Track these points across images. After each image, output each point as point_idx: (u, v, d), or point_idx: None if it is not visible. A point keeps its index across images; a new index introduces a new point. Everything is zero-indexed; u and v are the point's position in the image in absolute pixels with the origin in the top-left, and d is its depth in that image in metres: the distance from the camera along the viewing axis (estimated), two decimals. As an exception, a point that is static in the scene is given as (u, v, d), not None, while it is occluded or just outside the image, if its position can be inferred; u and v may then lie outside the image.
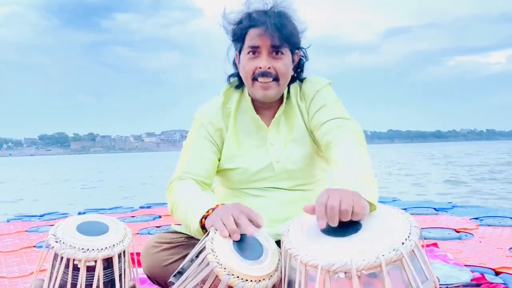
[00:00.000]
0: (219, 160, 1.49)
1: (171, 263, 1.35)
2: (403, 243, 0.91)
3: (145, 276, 1.44)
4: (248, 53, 1.39)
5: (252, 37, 1.37)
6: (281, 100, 1.47)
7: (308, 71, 1.53)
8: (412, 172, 15.94)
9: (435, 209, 3.61)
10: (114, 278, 1.25)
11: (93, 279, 1.21)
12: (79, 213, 3.99)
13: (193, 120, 1.54)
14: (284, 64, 1.39)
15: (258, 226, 1.11)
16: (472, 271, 1.88)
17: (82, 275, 1.20)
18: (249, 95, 1.48)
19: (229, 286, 0.99)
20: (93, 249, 1.21)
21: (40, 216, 4.11)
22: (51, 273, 1.23)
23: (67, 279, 1.20)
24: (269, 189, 1.43)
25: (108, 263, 1.24)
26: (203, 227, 1.19)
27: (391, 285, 0.87)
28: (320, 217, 1.00)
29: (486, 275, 1.83)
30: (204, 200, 1.27)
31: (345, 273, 0.88)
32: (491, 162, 21.03)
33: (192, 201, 1.29)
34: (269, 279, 1.02)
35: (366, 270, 0.87)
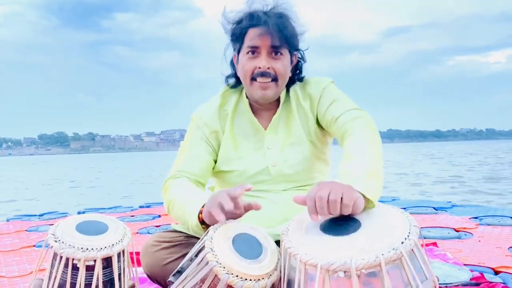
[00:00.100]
0: (215, 161, 1.49)
1: (171, 262, 1.35)
2: (402, 242, 0.91)
3: (145, 276, 1.44)
4: (248, 53, 1.39)
5: (252, 37, 1.37)
6: (278, 102, 1.47)
7: (308, 71, 1.53)
8: (412, 171, 15.95)
9: (434, 208, 3.61)
10: (113, 277, 1.25)
11: (92, 278, 1.21)
12: (79, 213, 3.99)
13: (190, 120, 1.54)
14: (283, 65, 1.39)
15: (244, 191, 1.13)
16: (472, 270, 1.89)
17: (81, 274, 1.20)
18: (247, 97, 1.48)
19: (228, 285, 0.99)
20: (92, 249, 1.21)
21: (39, 216, 4.11)
22: (51, 272, 1.23)
23: (66, 278, 1.20)
24: (266, 191, 1.43)
25: (107, 262, 1.24)
26: (201, 222, 1.20)
27: (390, 284, 0.87)
28: (310, 210, 1.02)
29: (485, 274, 1.83)
30: (200, 196, 1.27)
31: (345, 272, 0.87)
32: (491, 161, 21.05)
33: (188, 198, 1.29)
34: (268, 278, 1.02)
35: (366, 269, 0.87)
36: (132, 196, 9.95)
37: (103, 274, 1.22)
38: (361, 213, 1.04)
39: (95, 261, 1.21)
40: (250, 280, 0.99)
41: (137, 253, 1.41)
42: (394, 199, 4.46)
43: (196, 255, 1.07)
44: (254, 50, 1.38)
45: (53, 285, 1.21)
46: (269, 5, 1.40)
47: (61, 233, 1.24)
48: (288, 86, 1.48)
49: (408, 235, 0.93)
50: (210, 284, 1.01)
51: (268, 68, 1.37)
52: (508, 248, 2.27)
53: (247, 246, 1.07)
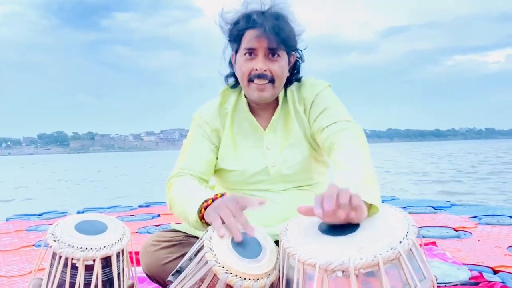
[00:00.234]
0: (217, 158, 1.50)
1: (170, 261, 1.35)
2: (400, 242, 0.91)
3: (144, 275, 1.45)
4: (245, 54, 1.39)
5: (249, 39, 1.37)
6: (277, 102, 1.47)
7: (308, 71, 1.53)
8: (411, 170, 15.96)
9: (433, 207, 3.61)
10: (112, 277, 1.25)
11: (91, 278, 1.21)
12: (78, 212, 3.99)
13: (192, 119, 1.55)
14: (280, 66, 1.39)
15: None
16: (471, 270, 1.89)
17: (81, 274, 1.20)
18: (245, 96, 1.48)
19: (227, 284, 0.99)
20: (91, 248, 1.21)
21: (39, 215, 4.12)
22: (50, 272, 1.23)
23: (65, 278, 1.20)
24: (265, 191, 1.44)
25: (106, 262, 1.24)
26: (202, 218, 1.18)
27: (389, 284, 0.87)
28: (318, 204, 0.95)
29: (484, 274, 1.84)
30: (203, 193, 1.26)
31: (343, 271, 0.88)
32: (490, 161, 21.06)
33: (190, 194, 1.29)
34: (267, 278, 1.02)
35: (364, 268, 0.87)
36: (132, 195, 9.95)
37: (102, 274, 1.23)
38: None
39: (94, 260, 1.21)
40: (249, 279, 0.99)
41: (136, 253, 1.41)
42: (393, 199, 4.47)
43: (195, 255, 1.07)
44: (251, 52, 1.38)
45: (52, 284, 1.21)
46: (266, 5, 1.39)
47: (60, 233, 1.24)
48: (286, 86, 1.48)
49: (406, 235, 0.93)
50: (209, 284, 1.01)
51: (265, 70, 1.37)
52: (507, 248, 2.27)
53: (246, 246, 1.07)
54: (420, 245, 0.99)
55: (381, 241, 0.92)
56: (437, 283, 1.65)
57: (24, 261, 2.38)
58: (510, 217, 3.07)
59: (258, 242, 1.10)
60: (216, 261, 1.00)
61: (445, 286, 1.71)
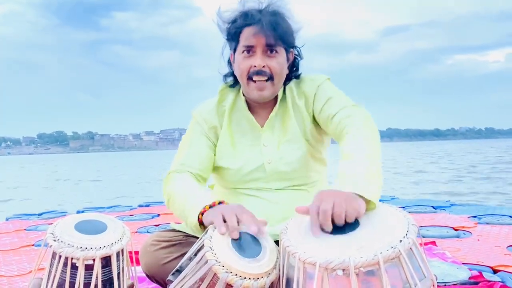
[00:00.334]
0: (215, 155, 1.50)
1: (170, 261, 1.35)
2: (401, 241, 0.91)
3: (144, 275, 1.44)
4: (243, 52, 1.39)
5: (247, 36, 1.37)
6: (275, 100, 1.47)
7: (307, 70, 1.53)
8: (411, 170, 15.96)
9: (433, 207, 3.61)
10: (112, 276, 1.25)
11: (91, 277, 1.21)
12: (78, 212, 3.99)
13: (191, 118, 1.56)
14: (279, 62, 1.39)
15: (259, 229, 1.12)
16: (470, 269, 1.89)
17: (80, 273, 1.20)
18: (244, 95, 1.48)
19: (227, 284, 0.99)
20: (91, 248, 1.21)
21: (39, 215, 4.11)
22: (50, 271, 1.23)
23: (65, 277, 1.20)
24: (262, 190, 1.44)
25: (106, 261, 1.24)
26: (200, 222, 1.20)
27: (389, 283, 0.87)
28: (314, 224, 1.00)
29: (484, 273, 1.84)
30: (202, 195, 1.28)
31: (343, 270, 0.88)
32: (490, 160, 21.06)
33: (189, 195, 1.30)
34: (267, 277, 1.02)
35: (364, 267, 0.87)
36: (131, 195, 9.95)
37: (102, 273, 1.22)
38: None
39: (94, 260, 1.21)
40: (249, 278, 1.00)
41: (136, 252, 1.41)
42: (393, 198, 4.47)
43: (195, 254, 1.08)
44: (249, 49, 1.38)
45: (52, 284, 1.21)
46: (263, 3, 1.40)
47: (60, 232, 1.24)
48: (285, 84, 1.48)
49: (406, 234, 0.93)
50: (209, 283, 1.01)
51: (264, 66, 1.37)
52: (507, 247, 2.27)
53: (246, 245, 1.07)
54: (420, 244, 0.99)
55: (381, 240, 0.92)
56: (437, 282, 1.65)
57: (24, 261, 2.38)
58: (510, 216, 3.07)
59: (258, 241, 1.10)
60: (216, 260, 1.00)
61: (445, 285, 1.71)
